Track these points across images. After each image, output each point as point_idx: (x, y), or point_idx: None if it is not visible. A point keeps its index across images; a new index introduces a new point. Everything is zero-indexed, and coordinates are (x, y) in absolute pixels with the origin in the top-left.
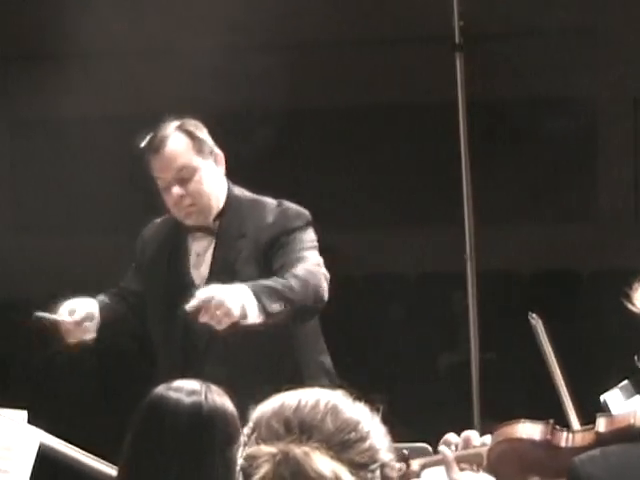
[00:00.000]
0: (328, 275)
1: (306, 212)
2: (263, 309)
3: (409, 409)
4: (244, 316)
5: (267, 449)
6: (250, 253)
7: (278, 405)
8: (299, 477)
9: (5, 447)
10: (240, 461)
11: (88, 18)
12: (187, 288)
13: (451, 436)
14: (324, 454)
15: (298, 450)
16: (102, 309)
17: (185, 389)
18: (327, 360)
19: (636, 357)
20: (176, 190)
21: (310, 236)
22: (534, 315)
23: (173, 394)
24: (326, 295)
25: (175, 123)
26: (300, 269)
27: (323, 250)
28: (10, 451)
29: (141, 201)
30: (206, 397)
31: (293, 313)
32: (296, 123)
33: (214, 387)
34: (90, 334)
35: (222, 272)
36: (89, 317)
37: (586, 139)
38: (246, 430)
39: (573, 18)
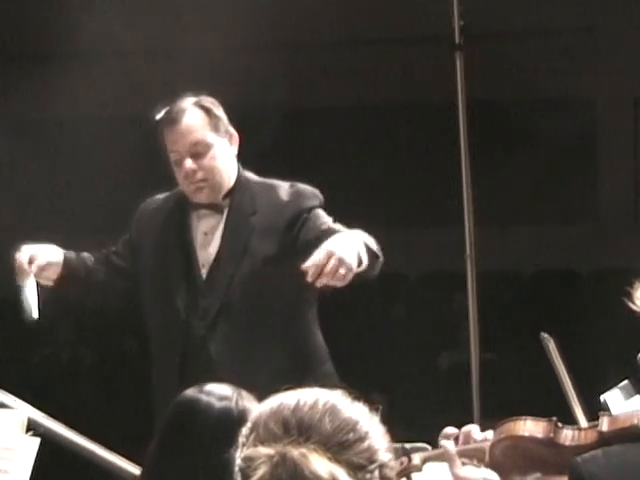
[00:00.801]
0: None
1: (319, 192)
2: (371, 253)
3: (409, 409)
4: (360, 265)
5: (265, 450)
6: (265, 230)
7: (276, 405)
8: (296, 479)
9: (5, 447)
10: (238, 462)
11: (88, 18)
12: (191, 270)
13: (450, 429)
14: (322, 455)
15: (295, 452)
16: (68, 261)
17: (216, 393)
18: (326, 351)
19: (638, 357)
20: (189, 163)
21: (323, 217)
22: (546, 335)
23: (204, 397)
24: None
25: (192, 98)
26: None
27: None
28: (10, 451)
29: (140, 201)
30: (237, 403)
31: (377, 264)
32: (296, 123)
33: (245, 393)
34: (46, 281)
35: (233, 251)
36: (49, 265)
37: (586, 139)
38: (244, 431)
39: (573, 18)
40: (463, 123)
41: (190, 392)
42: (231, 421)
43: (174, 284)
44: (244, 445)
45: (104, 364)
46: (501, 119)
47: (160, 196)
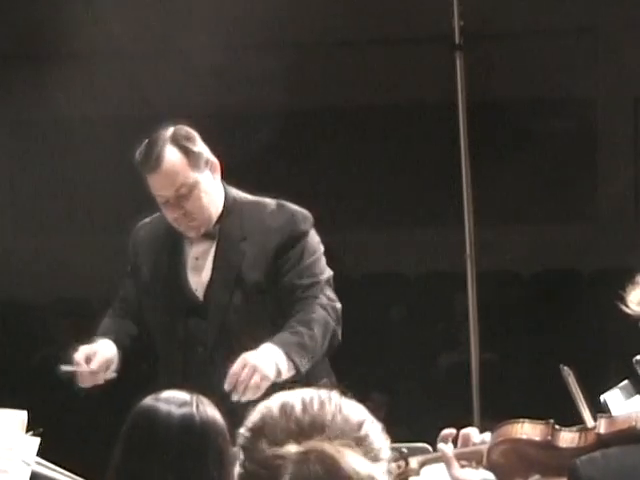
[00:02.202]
0: (339, 305)
1: (308, 213)
2: (294, 367)
3: (409, 409)
4: (279, 376)
5: (294, 449)
6: (255, 257)
7: (282, 405)
8: (333, 474)
9: (5, 447)
10: (251, 465)
11: (88, 18)
12: (184, 295)
13: (447, 430)
14: (353, 451)
15: (331, 447)
16: (119, 346)
17: (175, 400)
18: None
19: (634, 360)
20: (174, 210)
21: (316, 239)
22: (566, 367)
23: (163, 405)
24: (339, 332)
25: (167, 136)
26: (317, 311)
27: (323, 250)
28: (10, 451)
29: (141, 201)
30: (197, 408)
31: (319, 357)
32: (296, 123)
33: (204, 399)
34: (108, 376)
35: (226, 278)
36: (107, 363)
37: (586, 139)
38: (246, 433)
39: (573, 18)
40: (463, 123)
41: (148, 401)
42: (193, 427)
43: (172, 308)
44: (250, 448)
45: None
46: (501, 119)
47: (148, 220)
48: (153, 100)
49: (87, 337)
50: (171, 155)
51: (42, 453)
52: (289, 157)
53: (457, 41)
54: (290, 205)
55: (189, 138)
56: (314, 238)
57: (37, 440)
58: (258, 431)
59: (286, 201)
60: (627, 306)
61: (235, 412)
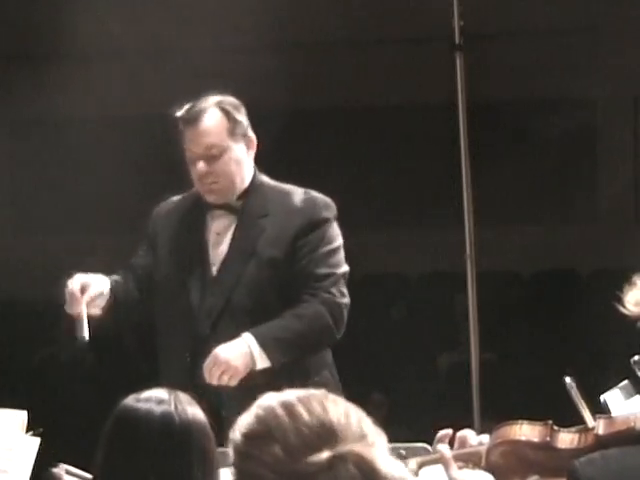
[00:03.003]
0: (347, 300)
1: (332, 203)
2: (270, 359)
3: (409, 409)
4: (253, 366)
5: (327, 454)
6: (275, 235)
7: (284, 408)
8: (369, 478)
9: (6, 447)
10: (259, 470)
11: (88, 18)
12: (203, 268)
13: (444, 432)
14: (382, 451)
15: (364, 450)
16: (114, 288)
17: (154, 399)
18: (329, 355)
19: (632, 360)
20: (201, 166)
21: (337, 231)
22: (569, 380)
23: (143, 405)
24: (338, 330)
25: (215, 98)
26: (315, 308)
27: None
28: (11, 451)
29: (141, 201)
30: (176, 407)
31: (301, 353)
32: (296, 123)
33: (183, 396)
34: (96, 310)
35: (242, 251)
36: (98, 297)
37: (586, 139)
38: (242, 437)
39: (573, 18)
40: (463, 123)
41: (128, 402)
42: (173, 425)
43: (188, 282)
44: (254, 454)
45: (104, 364)
46: (501, 119)
47: (175, 198)
48: (153, 100)
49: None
50: (212, 114)
51: (42, 453)
52: (289, 157)
53: (457, 41)
54: (316, 193)
55: (235, 106)
56: (335, 229)
57: (37, 440)
58: (264, 436)
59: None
60: (624, 307)
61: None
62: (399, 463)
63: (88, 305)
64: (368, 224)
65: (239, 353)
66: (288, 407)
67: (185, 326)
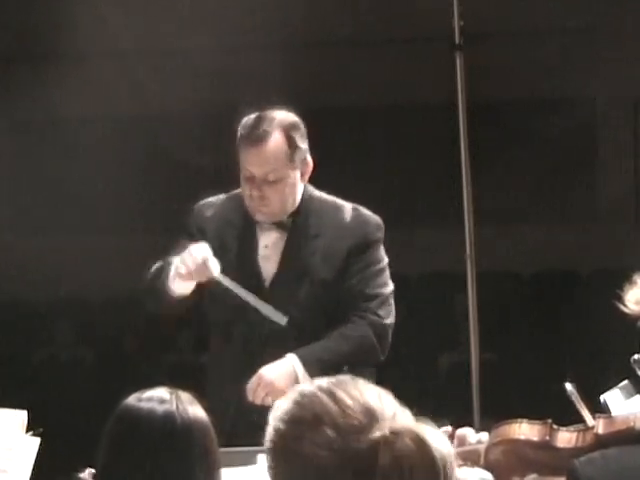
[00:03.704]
0: (392, 320)
1: (382, 222)
2: (311, 378)
3: (409, 409)
4: (297, 384)
5: (383, 431)
6: (326, 255)
7: (325, 392)
8: (424, 454)
9: (6, 447)
10: (313, 451)
11: (88, 18)
12: (252, 280)
13: (442, 429)
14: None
15: (416, 426)
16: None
17: (155, 398)
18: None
19: (632, 359)
20: (255, 189)
21: (383, 251)
22: (569, 387)
23: (145, 404)
24: (383, 351)
25: (279, 118)
26: (363, 330)
27: None
28: (10, 451)
29: (140, 201)
30: (177, 406)
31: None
32: None
33: (184, 395)
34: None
35: (294, 270)
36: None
37: (586, 139)
38: (285, 424)
39: (573, 18)
40: (463, 123)
41: (130, 401)
42: (175, 424)
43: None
44: (302, 437)
45: (104, 364)
46: (501, 119)
47: (219, 197)
48: (153, 100)
49: (88, 337)
50: (276, 139)
51: (42, 453)
52: None
53: (457, 41)
54: (365, 211)
55: (297, 128)
56: (382, 251)
57: (37, 440)
58: (311, 420)
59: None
60: (625, 305)
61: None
62: (444, 437)
63: (206, 270)
64: None
65: (284, 374)
66: (329, 393)
67: (231, 339)
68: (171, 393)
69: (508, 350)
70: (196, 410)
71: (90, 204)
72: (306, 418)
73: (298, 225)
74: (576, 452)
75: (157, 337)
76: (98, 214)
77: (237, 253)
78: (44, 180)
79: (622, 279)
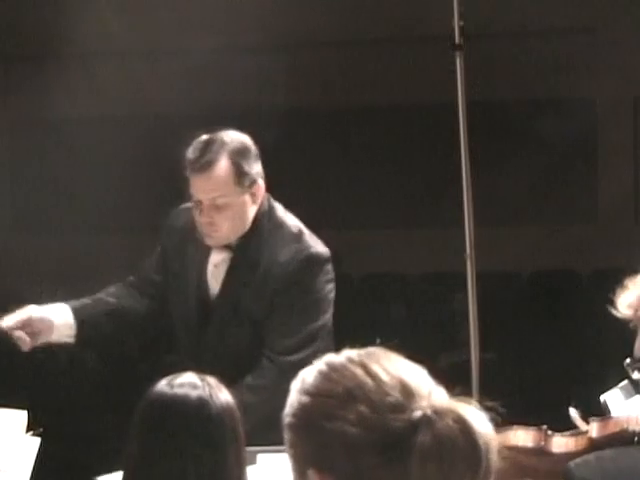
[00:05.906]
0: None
1: (325, 252)
2: None
3: None
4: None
5: (423, 409)
6: (257, 289)
7: (368, 372)
8: (467, 434)
9: (6, 447)
10: (345, 428)
11: (88, 18)
12: (203, 295)
13: None
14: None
15: (458, 405)
16: (79, 310)
17: (187, 384)
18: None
19: (624, 363)
20: (204, 215)
21: (324, 278)
22: (572, 409)
23: (179, 390)
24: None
25: (226, 144)
26: (273, 370)
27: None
28: (10, 451)
29: (140, 201)
30: (209, 391)
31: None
32: (296, 123)
33: (212, 380)
34: (56, 339)
35: (229, 297)
36: (44, 325)
37: (586, 139)
38: (326, 406)
39: (573, 18)
40: (463, 123)
41: (161, 388)
42: (209, 409)
43: (189, 302)
44: (335, 414)
45: (104, 364)
46: (501, 119)
47: (184, 207)
48: (153, 100)
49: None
50: (222, 166)
51: (42, 453)
52: (289, 158)
53: (457, 41)
54: (308, 238)
55: (245, 154)
56: (320, 280)
57: (37, 440)
58: (342, 396)
59: (308, 231)
60: (617, 309)
61: None
62: (487, 420)
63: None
64: (368, 224)
65: None
66: (362, 366)
67: (189, 343)
68: (201, 379)
69: (508, 350)
70: (225, 394)
71: (90, 204)
72: (336, 392)
73: (242, 250)
74: (571, 456)
75: (157, 337)
76: (98, 214)
77: (190, 269)
78: (44, 180)
79: (622, 279)
